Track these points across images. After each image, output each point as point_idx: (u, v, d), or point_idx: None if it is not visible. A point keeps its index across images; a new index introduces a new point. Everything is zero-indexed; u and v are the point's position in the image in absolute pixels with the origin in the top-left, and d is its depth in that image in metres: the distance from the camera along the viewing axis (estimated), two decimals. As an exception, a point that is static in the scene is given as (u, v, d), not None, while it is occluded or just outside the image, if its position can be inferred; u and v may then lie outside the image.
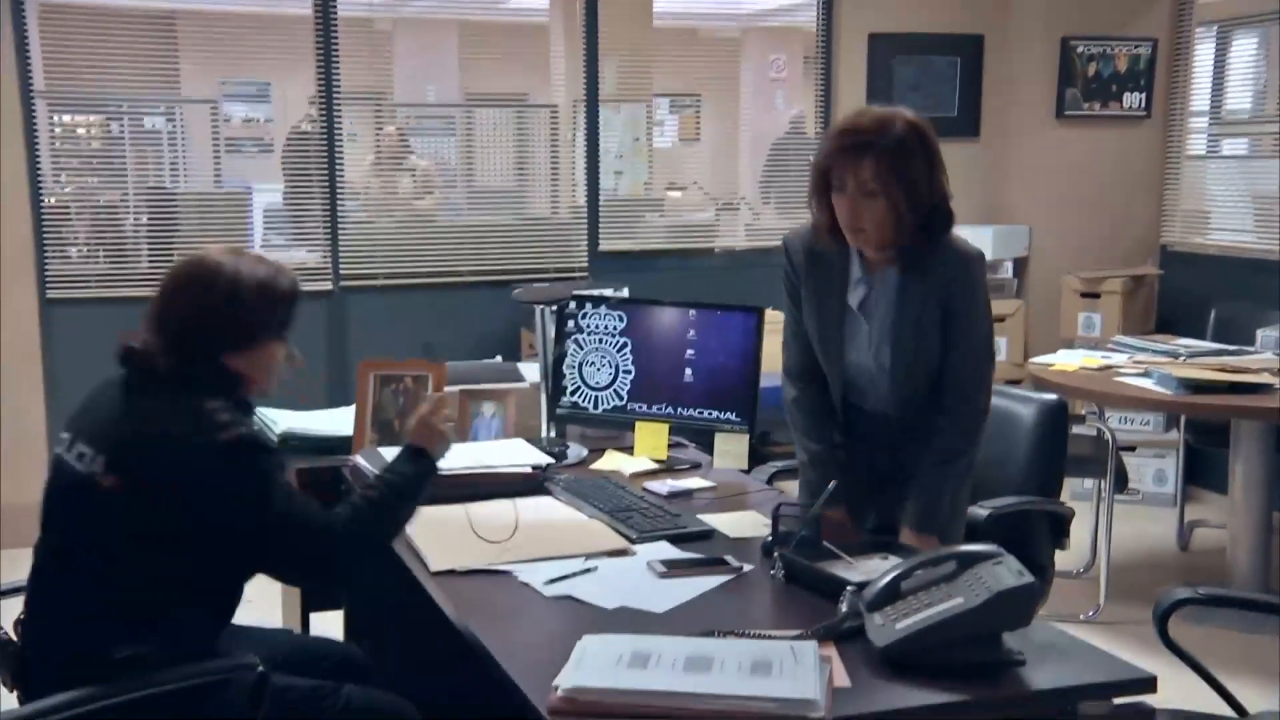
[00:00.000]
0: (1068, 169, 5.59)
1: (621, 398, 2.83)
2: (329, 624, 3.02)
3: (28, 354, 4.50)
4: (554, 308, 2.79)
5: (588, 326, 2.84)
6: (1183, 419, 4.72)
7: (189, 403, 1.87)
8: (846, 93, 5.45)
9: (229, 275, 1.94)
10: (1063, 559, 2.92)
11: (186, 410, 1.86)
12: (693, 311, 2.79)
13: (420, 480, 2.03)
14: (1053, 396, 3.07)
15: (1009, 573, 1.75)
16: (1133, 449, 5.04)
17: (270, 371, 2.02)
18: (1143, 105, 5.59)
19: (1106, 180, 5.60)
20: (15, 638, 1.96)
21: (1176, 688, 1.93)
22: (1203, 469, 5.19)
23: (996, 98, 5.62)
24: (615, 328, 2.83)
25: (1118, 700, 1.70)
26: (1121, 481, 4.12)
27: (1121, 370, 4.06)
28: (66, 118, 4.78)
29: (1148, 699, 1.70)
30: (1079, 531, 4.09)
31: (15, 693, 1.94)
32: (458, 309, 4.97)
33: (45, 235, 4.57)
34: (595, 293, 2.95)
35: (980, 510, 2.56)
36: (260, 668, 1.88)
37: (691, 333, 2.78)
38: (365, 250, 5.01)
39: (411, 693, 2.19)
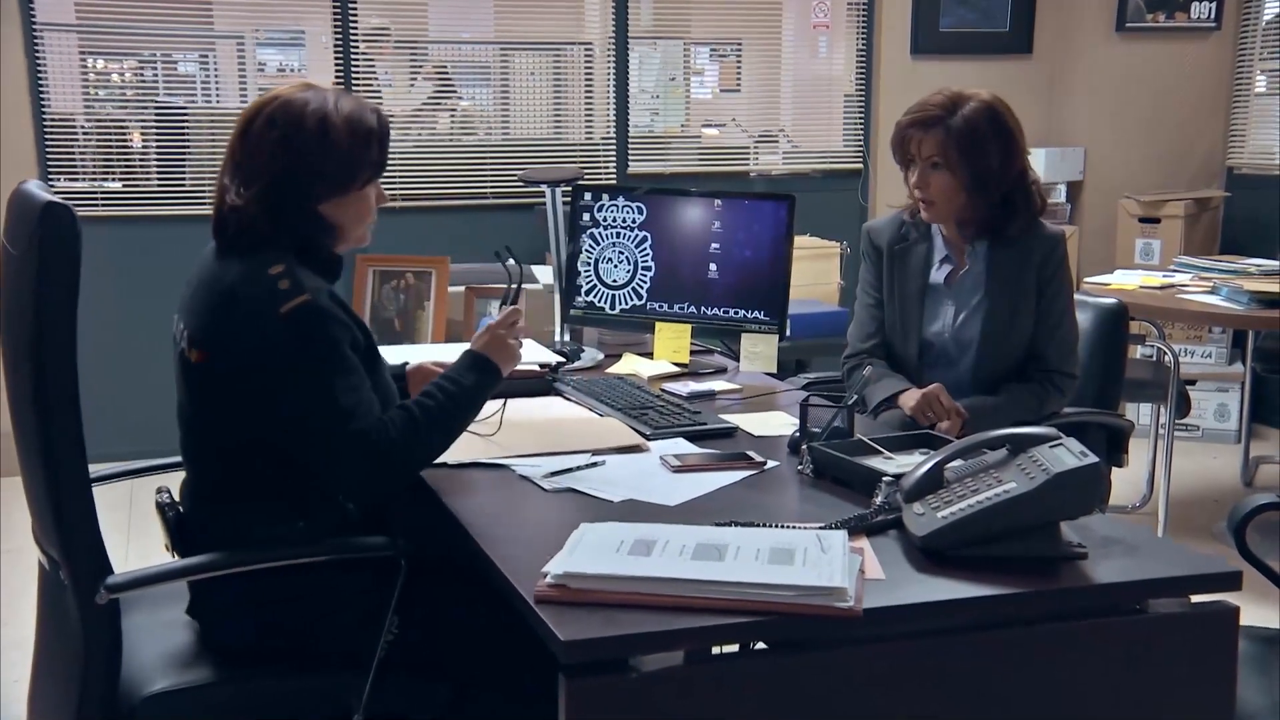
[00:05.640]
0: (1128, 86, 5.24)
1: (640, 296, 2.61)
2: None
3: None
4: (566, 195, 2.57)
5: (604, 220, 2.62)
6: (1249, 347, 4.42)
7: (256, 268, 1.69)
8: (891, 9, 5.15)
9: (316, 112, 1.72)
10: (1118, 492, 2.70)
11: (252, 277, 1.69)
12: (718, 201, 2.56)
13: (480, 392, 1.81)
14: (1111, 300, 2.83)
15: (1069, 454, 1.52)
16: (1193, 383, 4.75)
17: (368, 219, 1.83)
18: (1212, 15, 5.21)
19: (1169, 98, 5.26)
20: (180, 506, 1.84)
21: (1254, 608, 1.70)
22: (1268, 404, 4.89)
23: (1051, 9, 5.27)
24: (634, 220, 2.60)
25: (1195, 598, 1.46)
26: (1183, 407, 3.84)
27: (1185, 288, 3.78)
28: (100, 63, 4.63)
29: (1230, 598, 1.47)
30: (1136, 466, 3.84)
31: (174, 557, 1.82)
32: (479, 232, 4.75)
33: (49, 154, 4.42)
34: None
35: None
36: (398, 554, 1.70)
37: (717, 225, 2.55)
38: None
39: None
